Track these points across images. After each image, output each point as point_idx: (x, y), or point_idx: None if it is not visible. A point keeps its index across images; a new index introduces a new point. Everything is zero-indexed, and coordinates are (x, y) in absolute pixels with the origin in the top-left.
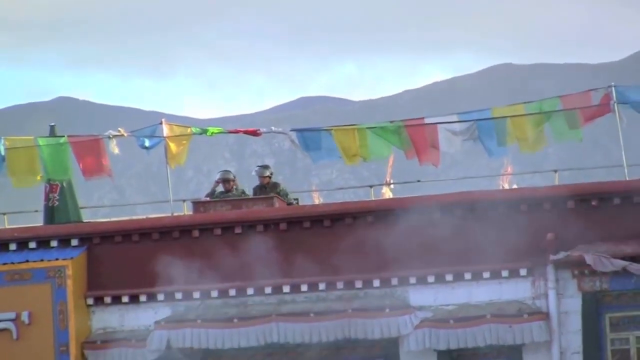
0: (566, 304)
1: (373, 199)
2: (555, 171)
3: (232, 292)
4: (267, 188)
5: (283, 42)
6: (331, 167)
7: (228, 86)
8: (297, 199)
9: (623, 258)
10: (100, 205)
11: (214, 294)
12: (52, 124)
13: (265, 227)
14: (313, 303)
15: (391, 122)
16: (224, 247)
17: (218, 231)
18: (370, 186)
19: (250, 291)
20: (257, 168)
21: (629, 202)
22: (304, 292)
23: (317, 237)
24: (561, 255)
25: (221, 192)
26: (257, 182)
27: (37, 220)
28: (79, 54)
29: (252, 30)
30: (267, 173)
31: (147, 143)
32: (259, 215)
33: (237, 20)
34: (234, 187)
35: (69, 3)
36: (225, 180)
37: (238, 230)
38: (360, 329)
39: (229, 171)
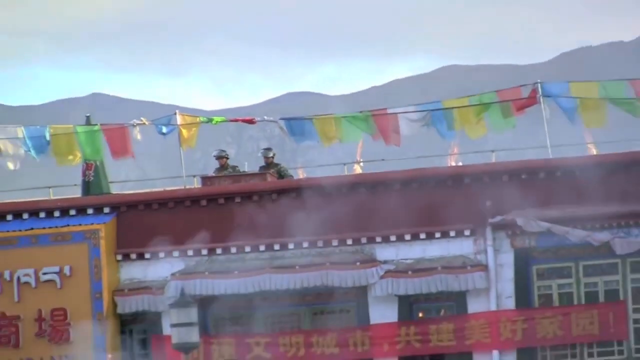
0: (501, 258)
1: (346, 174)
2: (493, 151)
3: (233, 250)
4: (269, 166)
5: (275, 46)
6: (312, 148)
7: (230, 83)
8: (292, 175)
9: (547, 221)
10: (126, 180)
11: (219, 251)
12: (88, 114)
13: (259, 197)
14: (298, 258)
15: (361, 112)
16: (227, 213)
17: (222, 201)
18: (344, 164)
19: (247, 249)
20: (262, 150)
21: (552, 176)
22: (291, 249)
23: (302, 205)
24: (498, 218)
25: (217, 168)
26: (255, 162)
27: (76, 192)
28: (110, 57)
29: (250, 37)
30: (270, 154)
31: (164, 130)
32: (254, 188)
33: (238, 29)
34: (227, 163)
35: (101, 17)
36: (219, 157)
37: (237, 199)
38: (336, 279)
39: (223, 150)
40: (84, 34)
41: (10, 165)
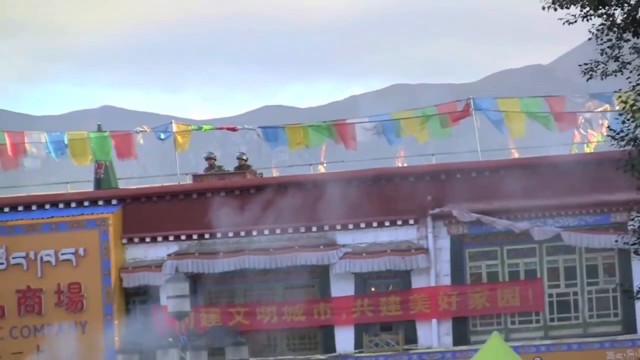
0: (440, 243)
1: (312, 173)
2: (433, 155)
3: (219, 235)
4: (242, 167)
5: (255, 67)
6: (284, 152)
7: (217, 98)
8: (261, 174)
9: (477, 213)
10: (131, 177)
11: (207, 236)
12: (99, 123)
13: (240, 192)
14: (272, 242)
15: (324, 122)
16: (213, 205)
17: (209, 194)
18: (310, 164)
19: (230, 234)
20: (238, 154)
21: (482, 175)
22: (266, 234)
23: (275, 198)
24: (437, 210)
25: (206, 168)
26: (236, 163)
27: (89, 187)
28: (118, 76)
29: (234, 60)
30: (244, 157)
31: (162, 136)
32: (236, 184)
33: (225, 53)
34: (214, 163)
35: (111, 42)
36: (208, 159)
37: (222, 194)
38: (303, 259)
39: (211, 153)
40: (96, 56)
41: (35, 165)
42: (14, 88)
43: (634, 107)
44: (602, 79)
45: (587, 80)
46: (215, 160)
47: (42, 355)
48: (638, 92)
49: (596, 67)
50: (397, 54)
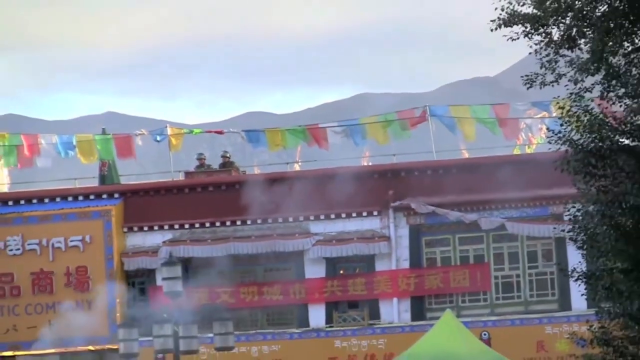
0: (400, 231)
1: (289, 170)
2: (394, 155)
3: (207, 224)
4: (226, 164)
5: (240, 78)
6: (265, 152)
7: (206, 104)
8: (244, 171)
9: (432, 205)
10: (131, 174)
11: (197, 225)
12: (103, 127)
13: (226, 187)
14: (254, 231)
15: (299, 126)
16: (202, 198)
17: (199, 189)
18: (287, 163)
19: (217, 224)
20: (222, 152)
21: (436, 173)
22: (248, 224)
23: (256, 192)
24: (397, 203)
25: (197, 166)
26: (221, 161)
27: (94, 183)
28: (120, 85)
29: (222, 71)
30: (227, 155)
31: (158, 138)
32: (222, 180)
33: (214, 65)
34: (204, 162)
35: (114, 54)
36: (199, 159)
37: (210, 188)
38: (282, 245)
39: (201, 153)
40: (102, 68)
41: (47, 163)
42: (29, 96)
43: (570, 113)
44: (540, 88)
45: (528, 89)
46: (205, 159)
47: (53, 329)
48: (573, 99)
49: (536, 78)
50: (363, 67)
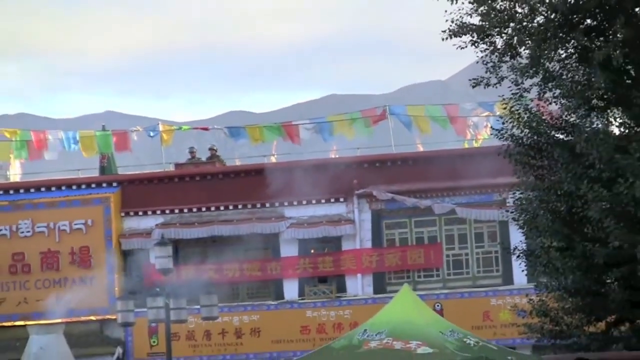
0: (363, 216)
1: (266, 162)
2: (358, 148)
3: (194, 210)
4: (213, 156)
5: (223, 79)
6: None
7: (194, 104)
8: (225, 163)
9: (391, 192)
10: (127, 165)
11: (185, 210)
12: (103, 124)
13: (211, 177)
14: (235, 215)
15: (275, 123)
16: (191, 187)
17: (187, 179)
18: (264, 156)
19: (203, 209)
20: (209, 146)
21: (395, 164)
22: (230, 209)
23: (238, 182)
24: (361, 191)
25: (189, 158)
26: (208, 154)
27: (95, 173)
28: (119, 86)
29: (208, 74)
30: (215, 148)
31: (151, 134)
32: (208, 171)
33: (201, 69)
34: (195, 155)
35: (113, 59)
36: (190, 152)
37: (197, 178)
38: (259, 228)
39: (192, 147)
40: (102, 71)
41: (53, 156)
42: (38, 97)
43: (511, 111)
44: (484, 87)
45: (473, 87)
46: (195, 152)
47: (60, 302)
48: (514, 99)
49: (481, 81)
50: (330, 71)
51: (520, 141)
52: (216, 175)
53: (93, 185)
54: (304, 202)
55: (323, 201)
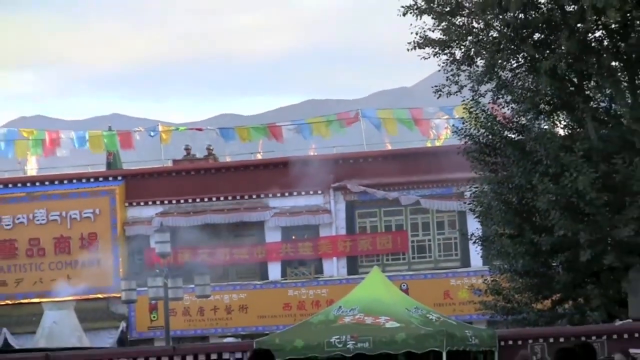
0: (338, 206)
1: (253, 159)
2: (334, 147)
3: (190, 200)
4: (210, 155)
5: (215, 86)
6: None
7: (190, 107)
8: (217, 159)
9: (363, 186)
10: (130, 161)
11: (182, 201)
12: (109, 125)
13: (205, 171)
14: (226, 205)
15: (261, 125)
16: (186, 180)
17: (183, 173)
18: (251, 153)
19: (197, 200)
20: (207, 146)
21: (366, 160)
22: (222, 200)
23: (228, 176)
24: (336, 184)
25: (184, 155)
26: (206, 152)
27: (102, 168)
28: (124, 91)
29: (202, 82)
30: (211, 148)
31: (152, 134)
32: (201, 166)
33: (197, 76)
34: (190, 153)
35: (119, 67)
36: (186, 149)
37: (192, 172)
38: (247, 217)
39: (188, 145)
40: (108, 78)
41: (65, 153)
42: (52, 100)
43: (469, 113)
44: (447, 97)
45: (438, 98)
46: (190, 149)
47: (71, 281)
48: (471, 104)
49: (442, 88)
50: (310, 79)
51: (476, 140)
52: (209, 170)
53: (100, 179)
54: (286, 194)
55: (303, 193)
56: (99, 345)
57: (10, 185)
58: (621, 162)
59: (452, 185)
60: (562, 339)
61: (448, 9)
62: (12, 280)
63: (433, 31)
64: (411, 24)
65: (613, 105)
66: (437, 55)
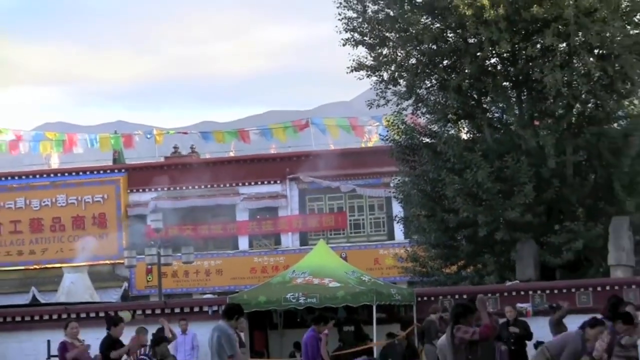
0: (293, 192)
1: (228, 156)
2: (289, 147)
3: (178, 188)
4: (193, 152)
5: (199, 98)
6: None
7: (178, 116)
8: (199, 156)
9: (312, 177)
10: (131, 158)
11: (172, 189)
12: (115, 130)
13: (189, 165)
14: (204, 192)
15: (234, 129)
16: (176, 172)
17: (173, 167)
18: (226, 152)
19: (184, 187)
20: (190, 146)
21: (315, 158)
22: (202, 188)
23: (208, 169)
24: (291, 175)
25: (172, 152)
26: (190, 150)
27: (109, 163)
28: (127, 102)
29: (188, 94)
30: (194, 148)
31: (148, 136)
32: (186, 161)
33: (184, 89)
34: (178, 150)
35: (125, 80)
36: (174, 149)
37: (180, 166)
38: (222, 201)
39: (177, 145)
40: (115, 92)
41: (80, 151)
42: (71, 109)
43: (394, 123)
44: (377, 108)
45: (369, 109)
46: (178, 148)
47: (84, 251)
48: (395, 115)
49: (374, 102)
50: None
51: (399, 143)
52: (192, 165)
53: (108, 171)
54: (253, 183)
55: (265, 182)
56: (106, 300)
57: (37, 176)
58: (511, 160)
59: (380, 177)
60: (465, 296)
61: (377, 41)
62: (39, 250)
63: (366, 58)
64: (349, 53)
65: (504, 115)
66: (369, 76)
